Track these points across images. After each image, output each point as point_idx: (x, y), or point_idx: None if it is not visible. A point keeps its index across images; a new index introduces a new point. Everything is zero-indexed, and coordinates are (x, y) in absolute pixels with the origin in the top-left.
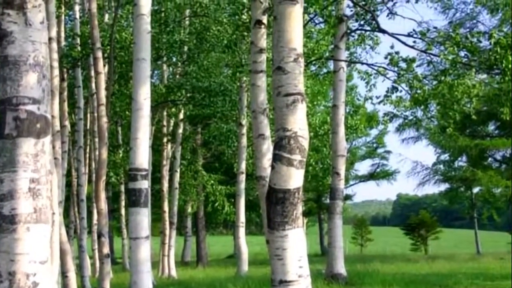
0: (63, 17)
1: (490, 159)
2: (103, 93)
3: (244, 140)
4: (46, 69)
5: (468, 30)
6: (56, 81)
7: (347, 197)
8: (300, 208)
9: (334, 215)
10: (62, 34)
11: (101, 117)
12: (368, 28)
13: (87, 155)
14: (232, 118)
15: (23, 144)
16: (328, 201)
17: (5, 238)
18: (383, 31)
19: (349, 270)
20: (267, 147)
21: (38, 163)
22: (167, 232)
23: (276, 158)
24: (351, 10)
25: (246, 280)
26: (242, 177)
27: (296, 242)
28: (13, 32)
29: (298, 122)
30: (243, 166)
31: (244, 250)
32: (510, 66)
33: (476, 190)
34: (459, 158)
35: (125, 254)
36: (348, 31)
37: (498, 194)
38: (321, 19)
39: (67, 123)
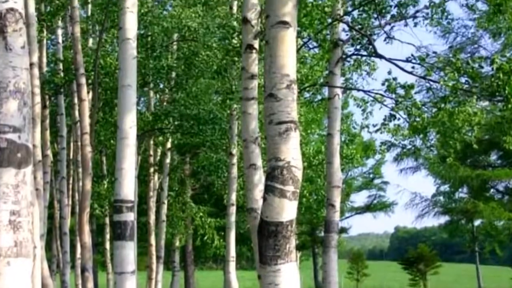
0: (45, 41)
1: (492, 190)
2: (87, 121)
3: (234, 171)
4: (27, 96)
5: (469, 55)
6: (38, 108)
7: (343, 230)
8: (293, 242)
9: (329, 248)
10: (44, 60)
11: (84, 146)
12: (365, 53)
13: (70, 186)
14: (222, 147)
15: (3, 174)
16: (322, 234)
17: None
18: (380, 56)
19: None
20: (259, 177)
21: (19, 194)
22: (154, 266)
23: (268, 189)
24: (347, 34)
25: None
26: (233, 209)
27: (289, 277)
28: None
29: (291, 151)
30: (234, 197)
31: (235, 286)
32: None
33: (477, 222)
34: (460, 189)
35: None
36: (344, 56)
37: (501, 227)
38: (315, 44)
39: (49, 152)
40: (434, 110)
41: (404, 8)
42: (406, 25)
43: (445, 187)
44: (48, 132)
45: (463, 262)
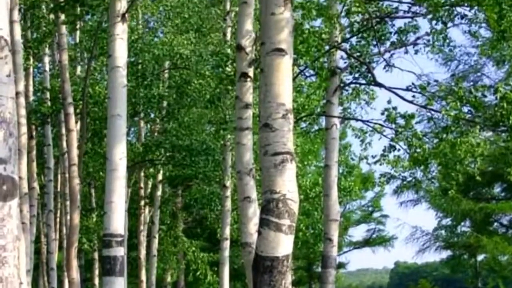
0: (31, 69)
1: (496, 224)
2: (75, 152)
3: (228, 204)
4: (13, 126)
5: (472, 83)
6: (24, 139)
7: (341, 265)
8: (289, 278)
9: (326, 284)
10: (31, 88)
11: (72, 178)
12: (363, 81)
13: (58, 219)
14: (215, 180)
15: None
16: (319, 269)
17: None
18: (380, 85)
19: None
20: (254, 211)
21: (5, 228)
22: None
23: (263, 223)
24: (345, 62)
25: None
26: (226, 244)
27: None
28: None
29: (287, 183)
30: (227, 231)
31: None
32: None
33: (480, 257)
34: (462, 223)
35: None
36: (342, 84)
37: (505, 262)
38: (312, 72)
39: (35, 184)
40: (436, 140)
41: (404, 35)
42: (406, 52)
43: (447, 221)
44: (34, 164)
45: None
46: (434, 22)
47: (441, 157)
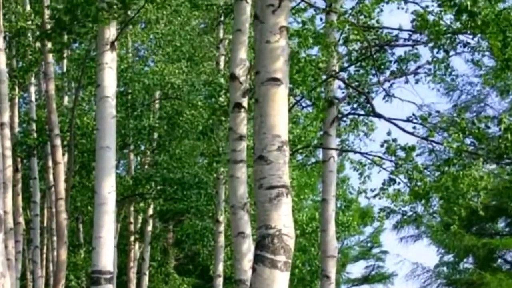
0: (17, 99)
1: (500, 260)
2: (62, 186)
3: (221, 239)
4: None
5: (475, 114)
6: (9, 172)
7: None
8: None
9: None
10: (16, 119)
11: (59, 212)
12: (362, 112)
13: (44, 256)
14: (208, 214)
15: None
16: None
17: None
18: (379, 116)
19: None
20: (248, 246)
21: None
22: None
23: (258, 260)
24: (343, 92)
25: None
26: (219, 281)
27: None
28: None
29: (283, 218)
30: (221, 268)
31: None
32: None
33: None
34: (465, 259)
35: None
36: (340, 115)
37: None
38: (308, 102)
39: (21, 219)
40: (437, 174)
41: (405, 63)
42: (406, 82)
43: (449, 257)
44: (20, 198)
45: None
46: (435, 50)
47: (442, 190)
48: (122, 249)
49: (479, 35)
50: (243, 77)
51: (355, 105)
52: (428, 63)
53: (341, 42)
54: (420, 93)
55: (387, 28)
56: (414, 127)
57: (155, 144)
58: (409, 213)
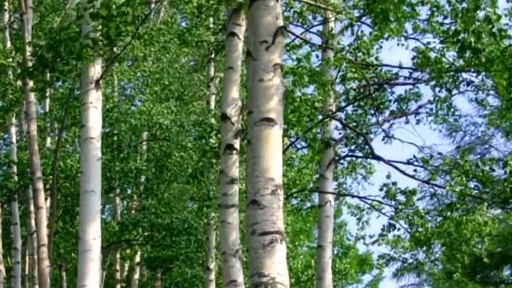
0: None
1: None
2: (44, 232)
3: None
4: None
5: (479, 156)
6: None
7: None
8: None
9: None
10: None
11: (42, 260)
12: (360, 154)
13: None
14: (198, 262)
15: None
16: None
17: None
18: (378, 158)
19: None
20: None
21: None
22: None
23: None
24: (340, 133)
25: None
26: None
27: None
28: None
29: (277, 266)
30: None
31: None
32: None
33: None
34: None
35: None
36: (336, 157)
37: None
38: (304, 144)
39: (1, 267)
40: (439, 219)
41: (405, 103)
42: (407, 122)
43: None
44: (0, 244)
45: None
46: (437, 89)
47: (445, 237)
48: None
49: (483, 73)
50: (235, 117)
51: (352, 147)
52: (429, 103)
53: (338, 80)
54: (421, 134)
55: (387, 65)
56: (415, 170)
57: (142, 187)
58: (410, 261)
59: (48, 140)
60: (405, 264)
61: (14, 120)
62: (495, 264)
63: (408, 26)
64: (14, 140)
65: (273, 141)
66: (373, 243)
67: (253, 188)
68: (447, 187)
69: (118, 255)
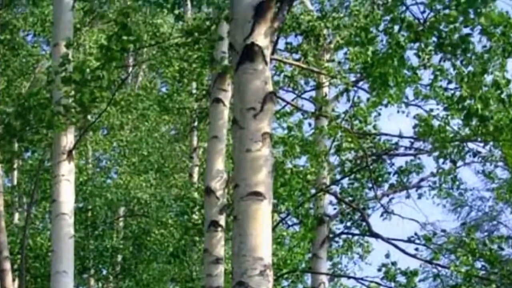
0: None
1: None
2: None
3: None
4: None
5: (486, 234)
6: None
7: None
8: None
9: None
10: None
11: None
12: (357, 231)
13: None
14: None
15: None
16: None
17: None
18: (376, 236)
19: None
20: None
21: None
22: None
23: None
24: (335, 208)
25: None
26: None
27: None
28: None
29: None
30: None
31: None
32: None
33: None
34: None
35: None
36: (331, 235)
37: None
38: (295, 220)
39: None
40: None
41: (406, 176)
42: (408, 196)
43: None
44: None
45: None
46: (441, 160)
47: None
48: None
49: (491, 143)
50: (220, 191)
51: (348, 224)
52: (432, 175)
53: (332, 151)
54: (424, 210)
55: (386, 134)
56: (416, 249)
57: (119, 268)
58: None
59: (16, 216)
60: None
61: None
62: None
63: (409, 91)
64: None
65: (262, 217)
66: None
67: (239, 269)
68: (452, 268)
69: None
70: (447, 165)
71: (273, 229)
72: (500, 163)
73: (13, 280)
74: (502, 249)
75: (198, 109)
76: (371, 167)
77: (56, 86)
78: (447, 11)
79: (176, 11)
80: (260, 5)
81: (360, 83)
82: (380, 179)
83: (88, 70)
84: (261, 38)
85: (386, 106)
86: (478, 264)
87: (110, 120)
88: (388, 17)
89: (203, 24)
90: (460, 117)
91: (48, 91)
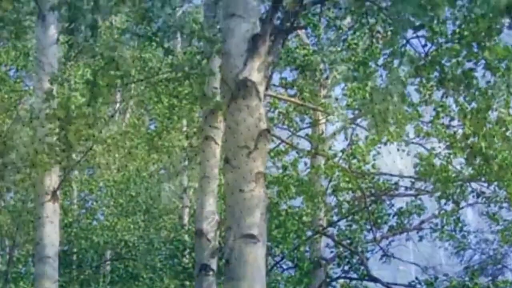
0: None
1: None
2: None
3: None
4: None
5: (490, 278)
6: None
7: None
8: None
9: None
10: None
11: None
12: (355, 275)
13: None
14: None
15: None
16: None
17: None
18: (375, 280)
19: None
20: None
21: None
22: None
23: None
24: (332, 252)
25: None
26: None
27: None
28: None
29: None
30: None
31: None
32: None
33: None
34: None
35: None
36: (328, 279)
37: None
38: (290, 264)
39: None
40: None
41: (406, 217)
42: (408, 239)
43: None
44: None
45: None
46: (443, 201)
47: None
48: None
49: (495, 183)
50: (211, 233)
51: (346, 267)
52: (434, 217)
53: (329, 191)
54: (425, 253)
55: (385, 174)
56: None
57: None
58: None
59: None
60: None
61: None
62: None
63: (410, 129)
64: None
65: (255, 261)
66: None
67: None
68: None
69: None
70: (450, 206)
71: (267, 273)
72: (505, 204)
73: None
74: None
75: (189, 147)
76: (369, 208)
77: (40, 123)
78: (449, 44)
79: (166, 45)
80: (253, 38)
81: (358, 120)
82: (379, 220)
83: (73, 106)
84: (254, 73)
85: (385, 144)
86: None
87: (96, 159)
88: (387, 51)
89: (193, 58)
90: (463, 155)
91: (31, 129)
